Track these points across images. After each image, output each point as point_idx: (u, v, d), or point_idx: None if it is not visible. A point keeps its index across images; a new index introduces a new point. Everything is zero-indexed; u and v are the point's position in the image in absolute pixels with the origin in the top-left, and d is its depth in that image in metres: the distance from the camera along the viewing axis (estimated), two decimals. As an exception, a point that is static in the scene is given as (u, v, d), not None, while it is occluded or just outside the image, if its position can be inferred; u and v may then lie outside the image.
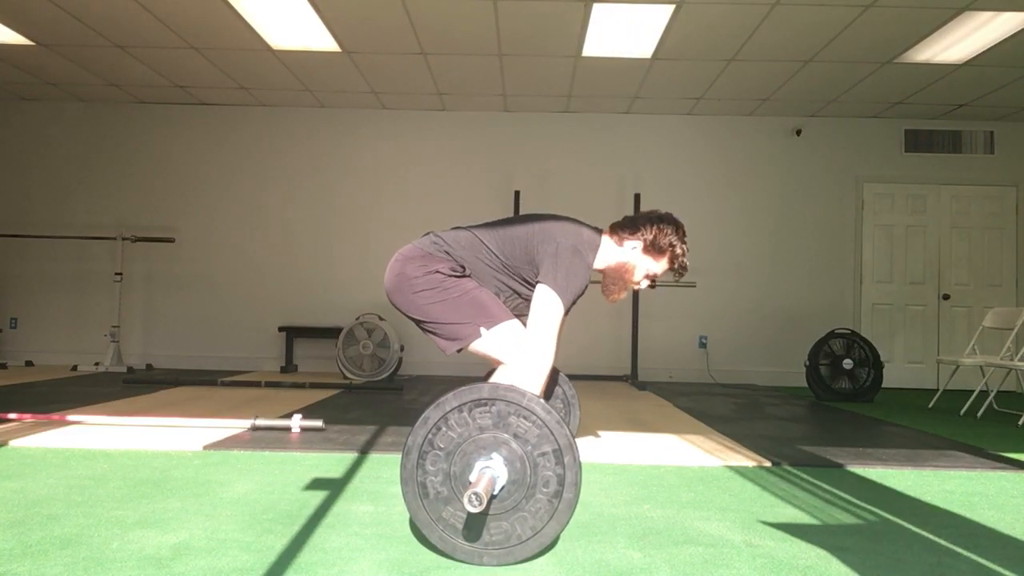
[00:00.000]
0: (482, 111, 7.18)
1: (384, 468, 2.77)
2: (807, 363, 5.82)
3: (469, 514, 1.72)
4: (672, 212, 2.54)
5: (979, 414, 4.91)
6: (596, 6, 4.73)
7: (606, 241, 2.47)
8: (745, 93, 6.48)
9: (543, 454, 1.73)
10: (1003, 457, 3.36)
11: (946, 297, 7.08)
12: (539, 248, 2.33)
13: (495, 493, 1.71)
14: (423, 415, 1.76)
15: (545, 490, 1.72)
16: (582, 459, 3.04)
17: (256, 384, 5.42)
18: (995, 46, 5.19)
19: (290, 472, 2.66)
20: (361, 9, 4.91)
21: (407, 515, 2.12)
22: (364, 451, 3.07)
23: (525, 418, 1.74)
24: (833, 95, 6.48)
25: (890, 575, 1.75)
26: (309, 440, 3.27)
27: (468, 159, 7.18)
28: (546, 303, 2.21)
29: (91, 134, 7.26)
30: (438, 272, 2.36)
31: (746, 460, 3.09)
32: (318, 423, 3.51)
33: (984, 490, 2.69)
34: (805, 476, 2.84)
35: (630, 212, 6.63)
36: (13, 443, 3.03)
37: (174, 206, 7.22)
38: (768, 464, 3.04)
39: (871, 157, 7.15)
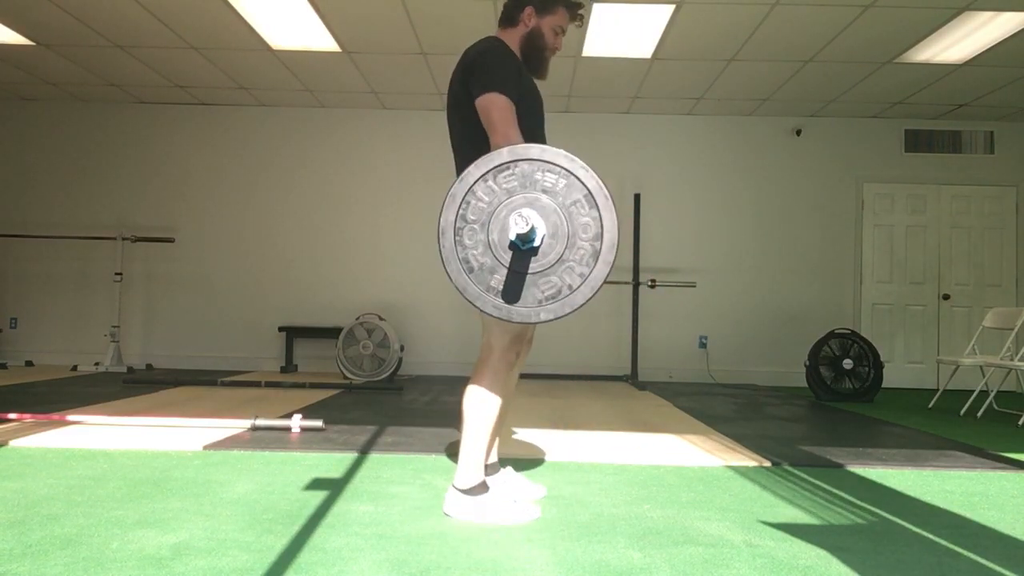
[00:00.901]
0: (482, 111, 7.17)
1: (384, 468, 2.77)
2: (807, 363, 5.82)
3: (520, 276, 1.73)
4: None
5: (979, 414, 4.91)
6: (596, 6, 4.73)
7: (505, 34, 2.37)
8: (745, 93, 6.48)
9: (575, 203, 1.73)
10: (1003, 457, 3.36)
11: (946, 297, 7.08)
12: (462, 86, 2.19)
13: (536, 244, 1.72)
14: (449, 192, 1.75)
15: (584, 236, 1.72)
16: (582, 459, 3.05)
17: (256, 384, 5.42)
18: (995, 46, 5.19)
19: (290, 472, 2.66)
20: (361, 9, 4.91)
21: (407, 515, 2.12)
22: (364, 451, 3.07)
23: (550, 171, 1.74)
24: (833, 95, 6.48)
25: (890, 575, 1.75)
26: (309, 440, 3.27)
27: (468, 159, 7.17)
28: (485, 104, 2.07)
29: (91, 134, 7.26)
30: None
31: (746, 460, 3.09)
32: (318, 423, 3.51)
33: (984, 490, 2.69)
34: (805, 476, 2.84)
35: (630, 212, 6.67)
36: (13, 443, 3.03)
37: (174, 206, 7.22)
38: (768, 464, 3.04)
39: (871, 157, 7.15)
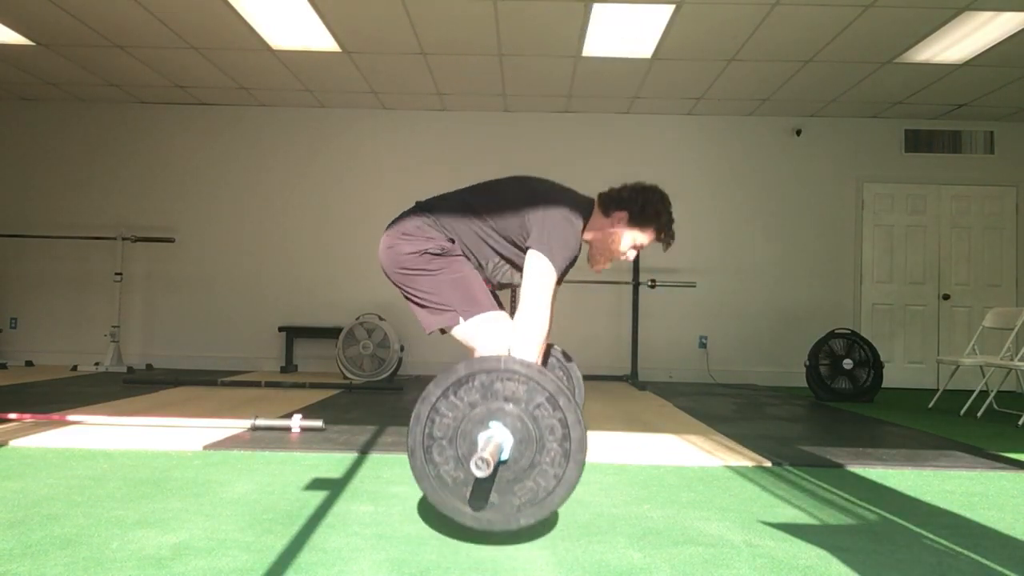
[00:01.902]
0: (482, 111, 7.18)
1: (384, 468, 2.77)
2: (807, 363, 5.82)
3: (494, 486, 1.73)
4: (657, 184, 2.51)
5: (979, 414, 4.91)
6: (596, 6, 4.73)
7: (596, 212, 2.46)
8: (745, 93, 6.48)
9: (538, 406, 1.75)
10: (1003, 457, 3.36)
11: (946, 297, 7.08)
12: (529, 213, 2.30)
13: (504, 459, 1.72)
14: (414, 413, 1.77)
15: (552, 437, 1.74)
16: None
17: (256, 384, 5.42)
18: (995, 46, 5.19)
19: (290, 472, 2.66)
20: (361, 9, 4.91)
21: (407, 515, 2.12)
22: (364, 451, 3.06)
23: (509, 379, 1.76)
24: (833, 95, 6.48)
25: (890, 575, 1.75)
26: (309, 440, 3.27)
27: (468, 159, 7.18)
28: (538, 270, 2.19)
29: (91, 134, 7.26)
30: (427, 252, 2.35)
31: (746, 460, 3.09)
32: (318, 423, 3.51)
33: (984, 490, 2.69)
34: (805, 476, 2.84)
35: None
36: (13, 443, 3.02)
37: (174, 206, 7.22)
38: (768, 464, 3.04)
39: (871, 157, 7.15)
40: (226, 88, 6.69)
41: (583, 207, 2.40)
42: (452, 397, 1.77)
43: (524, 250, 2.30)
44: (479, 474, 1.61)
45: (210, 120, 7.25)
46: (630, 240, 2.43)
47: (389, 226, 2.50)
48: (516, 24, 5.08)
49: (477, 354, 2.31)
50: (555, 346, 2.95)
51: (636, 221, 2.40)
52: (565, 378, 2.99)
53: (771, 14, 4.81)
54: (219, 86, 6.64)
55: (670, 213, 2.43)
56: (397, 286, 2.46)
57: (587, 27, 5.07)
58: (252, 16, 5.05)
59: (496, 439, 1.71)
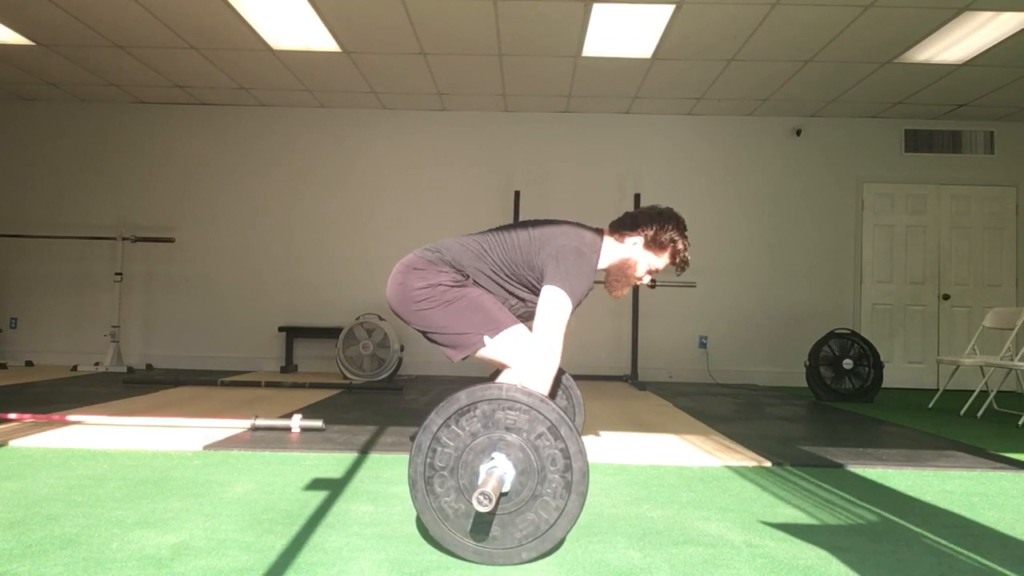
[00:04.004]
0: (482, 111, 7.18)
1: (384, 468, 2.77)
2: (807, 363, 5.82)
3: (496, 519, 1.73)
4: (672, 207, 2.53)
5: (979, 414, 4.91)
6: (596, 6, 4.73)
7: (607, 240, 2.48)
8: (745, 93, 6.48)
9: (539, 436, 1.74)
10: (1003, 457, 3.36)
11: (946, 297, 7.08)
12: (541, 252, 2.32)
13: (506, 491, 1.72)
14: (415, 442, 1.76)
15: (554, 468, 1.73)
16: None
17: (256, 384, 5.42)
18: (995, 46, 5.19)
19: (290, 472, 2.66)
20: (361, 9, 4.91)
21: (407, 515, 2.12)
22: (364, 451, 3.07)
23: (511, 409, 1.75)
24: (833, 95, 6.48)
25: (890, 575, 1.75)
26: (309, 440, 3.27)
27: (468, 159, 7.18)
28: (552, 304, 2.20)
29: (91, 134, 7.26)
30: (440, 284, 2.35)
31: (746, 460, 3.09)
32: (318, 423, 3.51)
33: (984, 490, 2.69)
34: (805, 476, 2.84)
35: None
36: (13, 443, 3.02)
37: (174, 206, 7.22)
38: (768, 464, 3.04)
39: (871, 157, 7.15)
40: (226, 88, 6.69)
41: (594, 241, 2.41)
42: (454, 426, 1.75)
43: (537, 292, 2.31)
44: (481, 509, 1.60)
45: (210, 120, 7.25)
46: (645, 265, 2.45)
47: (397, 266, 2.47)
48: (516, 24, 5.08)
49: (511, 370, 2.33)
50: (565, 373, 2.95)
51: (651, 246, 2.41)
52: (565, 399, 3.00)
53: (771, 14, 4.81)
54: (219, 86, 6.64)
55: (685, 237, 2.45)
56: (412, 325, 2.41)
57: (587, 27, 5.07)
58: (252, 16, 5.05)
59: (498, 471, 1.70)
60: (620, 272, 2.47)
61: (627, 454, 3.19)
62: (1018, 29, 4.90)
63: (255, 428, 3.48)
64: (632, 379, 6.59)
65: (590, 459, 3.03)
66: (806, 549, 1.92)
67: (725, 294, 7.07)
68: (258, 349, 7.11)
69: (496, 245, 2.41)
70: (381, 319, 6.29)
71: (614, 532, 2.02)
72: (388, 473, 2.68)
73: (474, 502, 1.60)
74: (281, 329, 6.91)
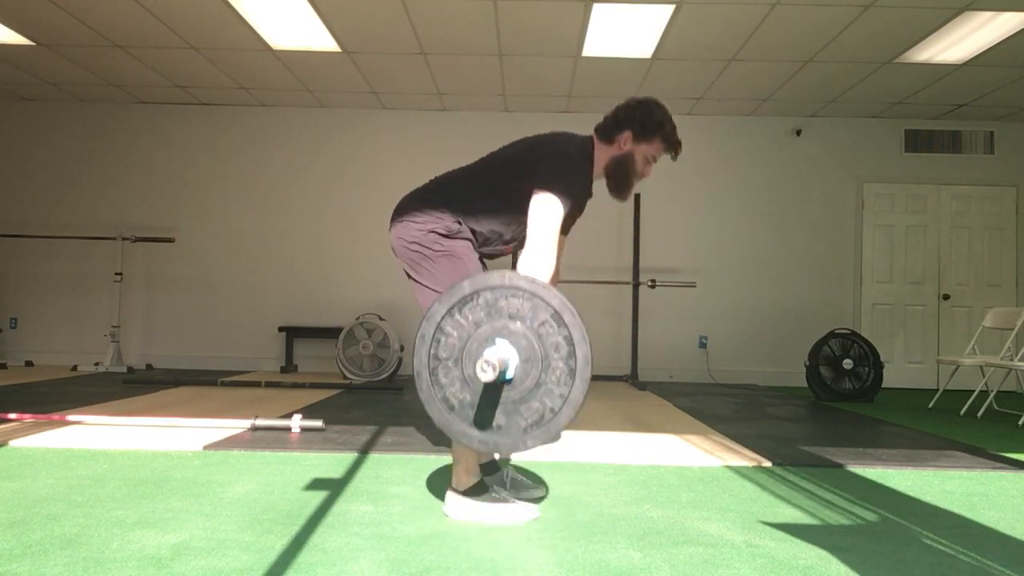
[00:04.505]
0: (482, 111, 7.18)
1: (384, 468, 2.77)
2: (807, 363, 5.82)
3: (500, 407, 1.71)
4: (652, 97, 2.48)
5: (979, 414, 4.91)
6: (596, 6, 4.73)
7: (598, 145, 2.46)
8: (745, 93, 6.48)
9: (543, 323, 1.72)
10: (1003, 457, 3.36)
11: (946, 297, 7.08)
12: (527, 160, 2.31)
13: (509, 378, 1.70)
14: (419, 333, 1.74)
15: (557, 355, 1.71)
16: (582, 459, 3.05)
17: (256, 384, 5.42)
18: (995, 46, 5.19)
19: (290, 472, 2.66)
20: (361, 9, 4.91)
21: (407, 515, 2.12)
22: (364, 451, 3.06)
23: (513, 296, 1.73)
24: (833, 95, 6.48)
25: (890, 575, 1.75)
26: (309, 440, 3.27)
27: (468, 159, 7.12)
28: (541, 207, 2.15)
29: (91, 134, 7.26)
30: (433, 231, 2.35)
31: (746, 460, 3.09)
32: (318, 423, 3.51)
33: (984, 490, 2.69)
34: (805, 476, 2.84)
35: (631, 213, 6.67)
36: (13, 443, 3.02)
37: (174, 206, 7.22)
38: (768, 464, 3.04)
39: (871, 157, 7.15)
40: (226, 88, 6.69)
41: (584, 144, 2.42)
42: (457, 315, 1.73)
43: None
44: (484, 377, 1.57)
45: (210, 120, 7.25)
46: (641, 157, 2.45)
47: (399, 204, 2.49)
48: (516, 24, 5.08)
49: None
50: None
51: (641, 136, 2.41)
52: None
53: (771, 14, 4.81)
54: (219, 86, 6.64)
55: (671, 120, 2.43)
56: (402, 260, 2.43)
57: (587, 27, 5.07)
58: (252, 16, 5.05)
59: (500, 353, 1.68)
60: (620, 171, 2.45)
61: (627, 454, 3.19)
62: (1018, 29, 4.90)
63: (255, 428, 3.48)
64: (632, 379, 6.59)
65: (590, 459, 3.04)
66: (806, 549, 1.92)
67: (725, 294, 7.07)
68: (258, 349, 7.11)
69: (487, 168, 2.44)
70: (381, 319, 6.29)
71: (614, 532, 2.02)
72: (388, 473, 2.68)
73: (477, 370, 1.59)
74: (281, 329, 6.91)
